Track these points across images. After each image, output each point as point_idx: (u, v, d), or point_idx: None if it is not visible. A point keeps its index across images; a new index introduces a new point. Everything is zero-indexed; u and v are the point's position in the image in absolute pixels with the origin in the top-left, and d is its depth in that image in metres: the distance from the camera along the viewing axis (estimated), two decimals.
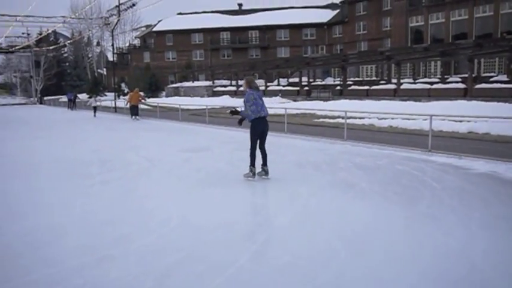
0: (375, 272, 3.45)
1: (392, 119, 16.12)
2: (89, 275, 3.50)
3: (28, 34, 54.96)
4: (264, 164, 6.96)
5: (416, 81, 33.07)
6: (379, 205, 5.32)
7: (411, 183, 6.46)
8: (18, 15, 37.64)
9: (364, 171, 7.33)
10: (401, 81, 31.54)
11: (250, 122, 6.87)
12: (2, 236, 4.50)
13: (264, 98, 7.30)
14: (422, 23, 40.87)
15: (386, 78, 35.82)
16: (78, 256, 3.86)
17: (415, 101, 23.92)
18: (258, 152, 6.92)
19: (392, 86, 31.10)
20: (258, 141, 6.93)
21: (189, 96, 44.27)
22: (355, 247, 3.95)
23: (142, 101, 22.68)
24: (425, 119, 11.83)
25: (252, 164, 6.86)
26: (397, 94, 29.24)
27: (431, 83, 29.92)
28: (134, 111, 21.81)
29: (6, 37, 48.88)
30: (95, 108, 25.38)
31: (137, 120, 21.20)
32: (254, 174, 6.87)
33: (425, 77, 36.14)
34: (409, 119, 15.30)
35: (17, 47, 51.71)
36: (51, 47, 55.91)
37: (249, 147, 6.89)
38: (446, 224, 4.57)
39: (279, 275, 3.43)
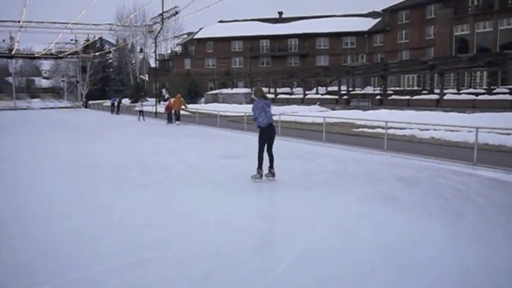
0: None
1: (435, 130, 15.67)
2: (127, 276, 3.56)
3: (76, 41, 57.23)
4: (271, 166, 7.48)
5: (461, 91, 32.00)
6: (420, 219, 5.14)
7: (455, 197, 6.21)
8: (68, 23, 39.29)
9: (405, 184, 7.13)
10: (445, 91, 30.60)
11: (259, 128, 7.47)
12: (46, 235, 4.66)
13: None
14: (468, 32, 39.58)
15: (428, 88, 34.88)
16: (117, 258, 3.95)
17: (459, 112, 23.13)
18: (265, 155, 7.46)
19: (435, 97, 30.22)
20: (266, 145, 7.49)
21: (228, 102, 44.70)
22: (395, 263, 3.82)
23: (183, 107, 23.18)
24: (471, 131, 11.41)
25: (260, 166, 7.39)
26: (440, 105, 28.38)
27: (477, 94, 28.85)
28: (176, 116, 22.50)
29: (56, 43, 51.09)
30: (141, 112, 26.01)
31: (178, 126, 21.69)
32: (261, 176, 7.39)
33: (470, 87, 34.90)
34: (452, 131, 14.82)
35: (66, 53, 53.98)
36: (97, 53, 58.06)
37: (257, 150, 7.47)
38: (493, 242, 4.35)
39: (316, 286, 3.37)
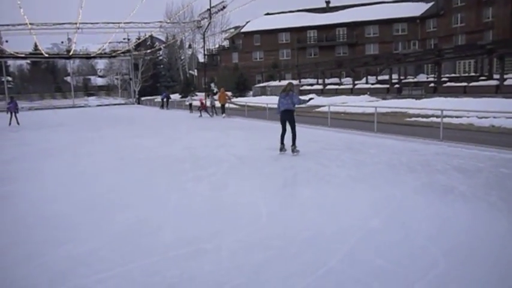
0: (478, 286, 3.18)
1: (495, 117, 14.85)
2: (185, 266, 3.67)
3: (128, 39, 59.26)
4: (292, 144, 9.44)
5: None
6: (482, 211, 4.91)
7: None
8: (120, 22, 40.74)
9: (464, 174, 6.83)
10: (505, 76, 28.88)
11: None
12: (113, 225, 4.89)
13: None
14: None
15: (487, 74, 33.06)
16: (174, 248, 4.08)
17: None
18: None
19: (494, 82, 28.60)
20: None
21: (276, 95, 44.63)
22: (455, 256, 3.68)
23: (228, 100, 23.65)
24: None
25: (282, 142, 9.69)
26: (500, 91, 26.84)
27: None
28: (222, 109, 23.25)
29: (109, 43, 53.19)
30: (191, 105, 26.67)
31: (224, 118, 22.22)
32: (281, 149, 9.62)
33: None
34: None
35: (118, 52, 56.06)
36: (148, 51, 59.78)
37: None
38: None
39: (371, 279, 3.32)
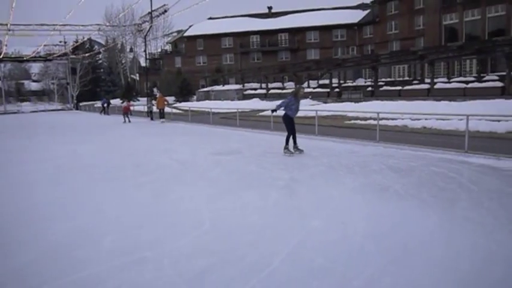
0: (412, 278, 3.36)
1: (426, 119, 15.75)
2: (124, 276, 3.57)
3: (65, 42, 56.83)
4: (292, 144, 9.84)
5: (451, 80, 32.19)
6: (414, 208, 5.19)
7: (448, 185, 6.27)
8: (56, 24, 38.94)
9: (398, 174, 7.18)
10: (435, 80, 30.75)
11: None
12: (46, 237, 4.65)
13: (281, 101, 10.08)
14: (457, 21, 39.74)
15: (419, 78, 35.05)
16: (114, 257, 3.95)
17: (450, 100, 23.26)
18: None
19: (426, 86, 30.37)
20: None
21: (220, 99, 44.62)
22: (390, 252, 3.86)
23: (165, 103, 24.09)
24: (461, 119, 11.50)
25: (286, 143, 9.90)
26: (430, 94, 28.53)
27: (467, 82, 29.03)
28: (160, 114, 23.54)
29: (44, 46, 50.66)
30: (151, 112, 25.88)
31: (162, 123, 22.46)
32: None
33: (460, 76, 35.11)
34: (444, 120, 14.92)
35: (55, 55, 53.53)
36: (86, 54, 57.60)
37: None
38: (485, 227, 4.41)
39: (312, 278, 3.40)
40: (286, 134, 9.85)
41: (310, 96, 36.86)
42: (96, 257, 3.98)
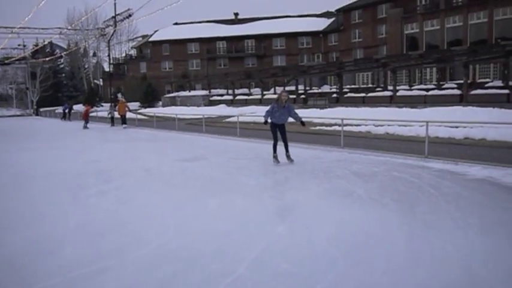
0: (373, 281, 3.44)
1: (389, 125, 16.19)
2: (85, 286, 3.47)
3: (24, 46, 54.97)
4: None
5: (412, 87, 33.26)
6: (376, 212, 5.31)
7: (408, 189, 6.46)
8: (14, 27, 37.68)
9: (362, 179, 7.34)
10: (398, 88, 31.70)
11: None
12: (1, 248, 4.46)
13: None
14: (417, 30, 41.19)
15: (382, 85, 36.01)
16: (76, 268, 3.84)
17: (411, 107, 24.03)
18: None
19: (389, 93, 31.24)
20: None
21: (186, 105, 44.32)
22: (353, 255, 3.94)
23: (126, 109, 23.95)
24: (422, 125, 11.89)
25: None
26: (393, 101, 29.36)
27: (427, 90, 30.09)
28: (122, 120, 23.45)
29: (2, 49, 48.86)
30: (112, 118, 25.31)
31: (124, 129, 22.29)
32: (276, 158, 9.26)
33: (421, 83, 36.35)
34: (405, 126, 15.37)
35: (13, 59, 51.71)
36: (47, 59, 55.95)
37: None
38: (444, 230, 4.57)
39: (277, 284, 3.42)
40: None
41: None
42: (56, 268, 3.86)
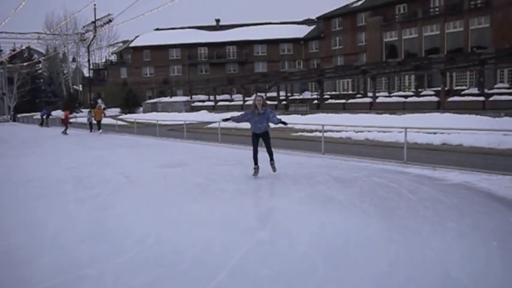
0: (353, 285, 3.46)
1: (369, 131, 16.40)
2: None
3: (1, 50, 53.97)
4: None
5: (392, 94, 33.80)
6: (356, 217, 5.36)
7: (388, 195, 6.54)
8: None
9: (342, 184, 7.40)
10: (377, 94, 32.18)
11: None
12: None
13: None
14: (396, 38, 41.96)
15: (362, 92, 36.49)
16: (53, 276, 3.76)
17: (391, 113, 24.41)
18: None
19: (368, 100, 31.67)
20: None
21: (167, 111, 44.05)
22: (333, 261, 3.96)
23: (103, 115, 24.29)
24: (401, 132, 12.07)
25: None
26: (373, 107, 29.78)
27: (406, 96, 30.62)
28: (98, 125, 23.75)
29: None
30: (91, 124, 24.98)
31: (100, 134, 22.47)
32: (255, 170, 8.43)
33: (400, 90, 36.97)
34: (385, 132, 15.60)
35: None
36: (24, 64, 54.97)
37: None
38: (422, 234, 4.64)
39: None
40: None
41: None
42: (33, 277, 3.77)
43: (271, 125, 8.50)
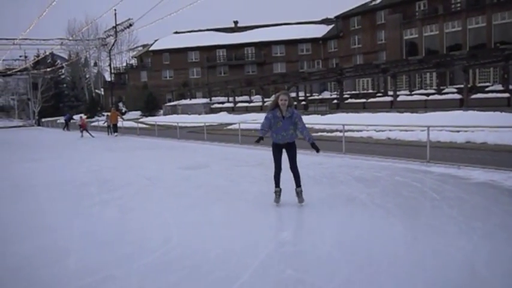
0: (378, 286, 3.43)
1: (390, 130, 16.20)
2: None
3: (25, 57, 55.36)
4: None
5: (413, 92, 33.29)
6: (380, 217, 5.31)
7: (411, 194, 6.46)
8: (16, 39, 37.93)
9: (364, 184, 7.34)
10: (398, 93, 31.74)
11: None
12: (5, 259, 4.47)
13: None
14: (417, 36, 41.32)
15: (382, 90, 36.06)
16: (80, 277, 3.84)
17: (412, 112, 24.04)
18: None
19: (389, 98, 31.27)
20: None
21: (187, 113, 44.41)
22: (357, 260, 3.93)
23: (120, 118, 25.13)
24: (423, 130, 11.89)
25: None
26: (393, 106, 29.38)
27: (428, 94, 30.11)
28: (114, 129, 24.44)
29: (3, 60, 49.22)
30: (109, 127, 25.51)
31: (116, 137, 23.11)
32: (276, 194, 6.26)
33: (421, 88, 36.39)
34: (406, 131, 15.38)
35: (15, 70, 52.00)
36: (48, 69, 56.24)
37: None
38: (447, 234, 4.56)
39: None
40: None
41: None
42: (60, 278, 3.86)
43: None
